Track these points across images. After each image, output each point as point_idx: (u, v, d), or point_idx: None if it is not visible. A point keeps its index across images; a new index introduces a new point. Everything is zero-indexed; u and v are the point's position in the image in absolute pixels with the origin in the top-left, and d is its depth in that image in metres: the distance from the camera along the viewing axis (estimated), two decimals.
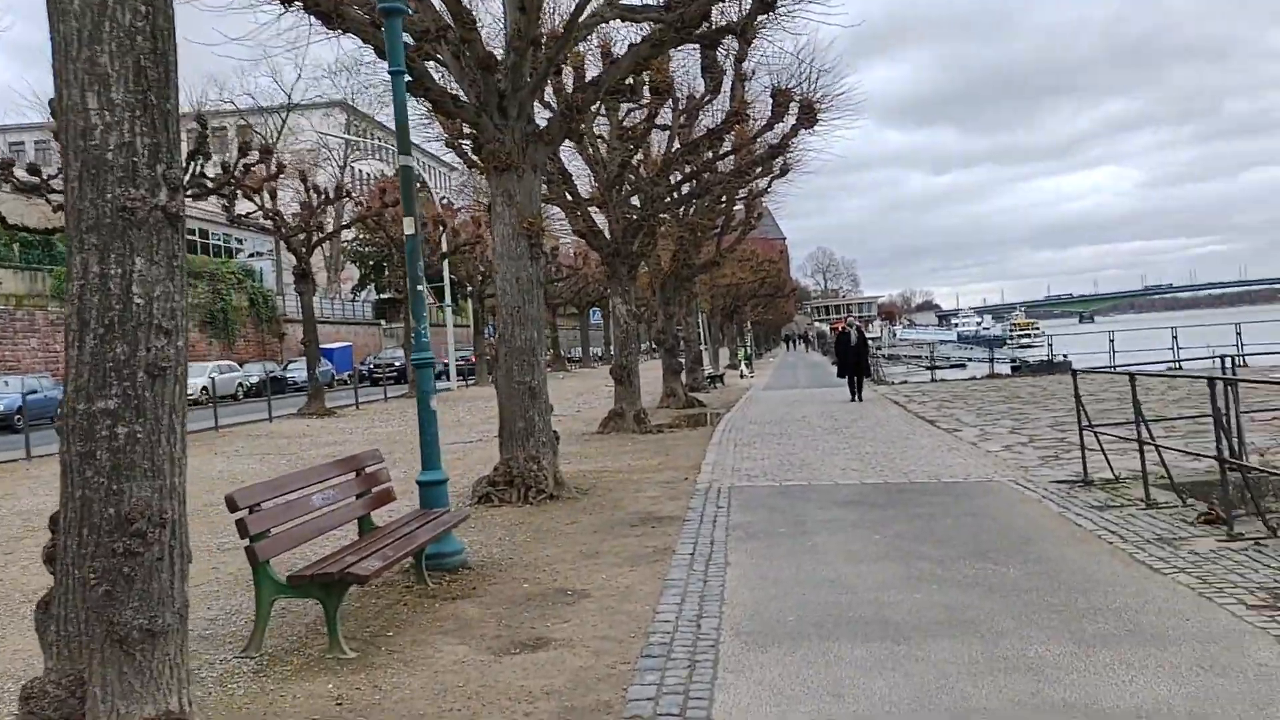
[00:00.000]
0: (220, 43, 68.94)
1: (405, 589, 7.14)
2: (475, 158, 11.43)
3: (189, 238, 57.09)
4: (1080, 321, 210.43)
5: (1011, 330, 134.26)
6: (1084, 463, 10.35)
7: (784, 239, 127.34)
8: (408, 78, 8.80)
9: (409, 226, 7.72)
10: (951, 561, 7.00)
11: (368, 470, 7.40)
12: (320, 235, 28.01)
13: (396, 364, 50.05)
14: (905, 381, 32.18)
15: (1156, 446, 8.95)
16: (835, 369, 25.53)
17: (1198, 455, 9.54)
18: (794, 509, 9.45)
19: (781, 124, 17.68)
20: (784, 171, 24.14)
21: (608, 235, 18.74)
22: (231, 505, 5.65)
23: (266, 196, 25.47)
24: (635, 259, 18.51)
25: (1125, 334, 37.95)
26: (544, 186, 18.77)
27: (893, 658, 5.05)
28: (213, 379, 43.01)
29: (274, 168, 23.86)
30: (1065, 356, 42.12)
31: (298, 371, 46.02)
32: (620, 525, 9.20)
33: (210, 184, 20.88)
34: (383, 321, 69.81)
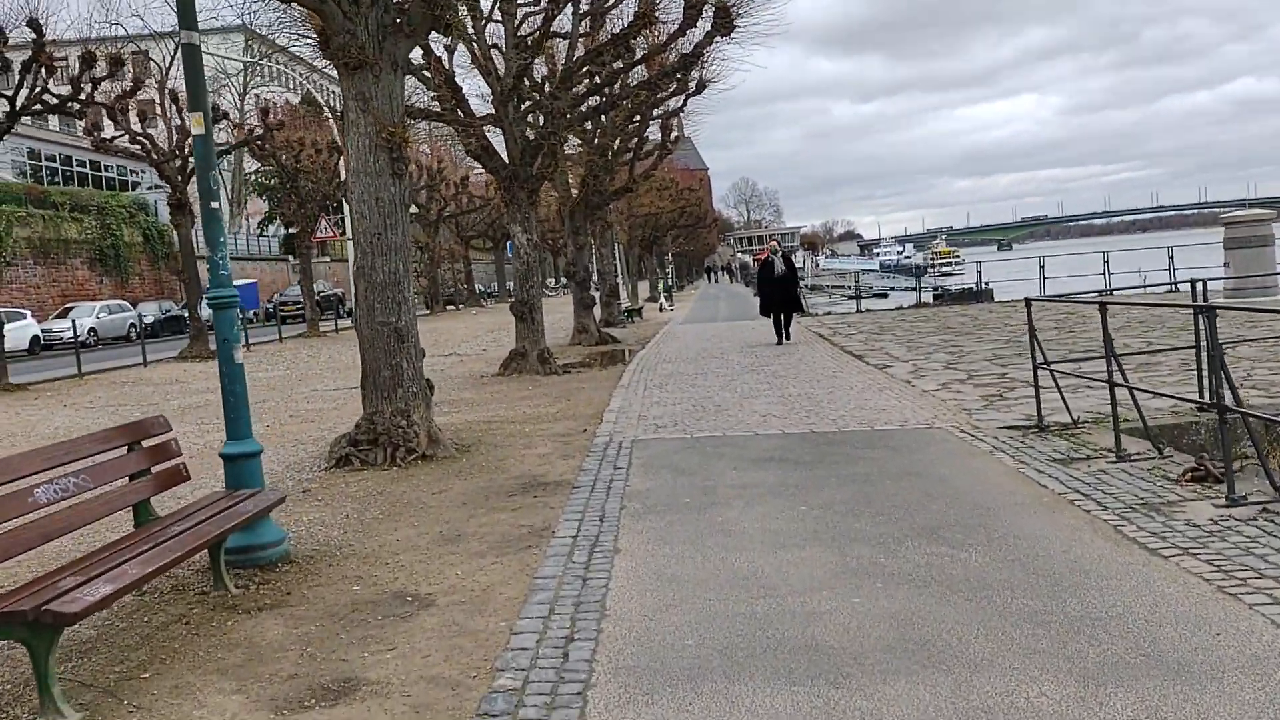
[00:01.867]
0: None
1: (198, 595, 5.48)
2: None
3: (79, 169, 53.66)
4: (999, 249, 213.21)
5: (933, 259, 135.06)
6: (1038, 406, 9.02)
7: (706, 169, 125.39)
8: None
9: (197, 125, 5.89)
10: (897, 543, 5.56)
11: (149, 443, 5.68)
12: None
13: (300, 301, 47.60)
14: (830, 313, 30.99)
15: (1131, 388, 7.61)
16: (758, 305, 20.83)
17: (1183, 398, 8.23)
18: (705, 469, 7.95)
19: (695, 29, 15.90)
20: (700, 88, 22.39)
21: (504, 157, 16.87)
22: None
23: (135, 119, 22.90)
24: (536, 183, 16.69)
25: (1053, 260, 37.29)
26: (436, 104, 16.77)
27: (829, 713, 3.57)
28: (99, 319, 40.27)
29: (130, 82, 21.28)
30: (988, 284, 41.45)
31: (205, 310, 43.22)
32: (496, 494, 7.61)
33: (54, 101, 18.36)
34: (290, 257, 66.57)
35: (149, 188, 57.44)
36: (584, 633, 4.48)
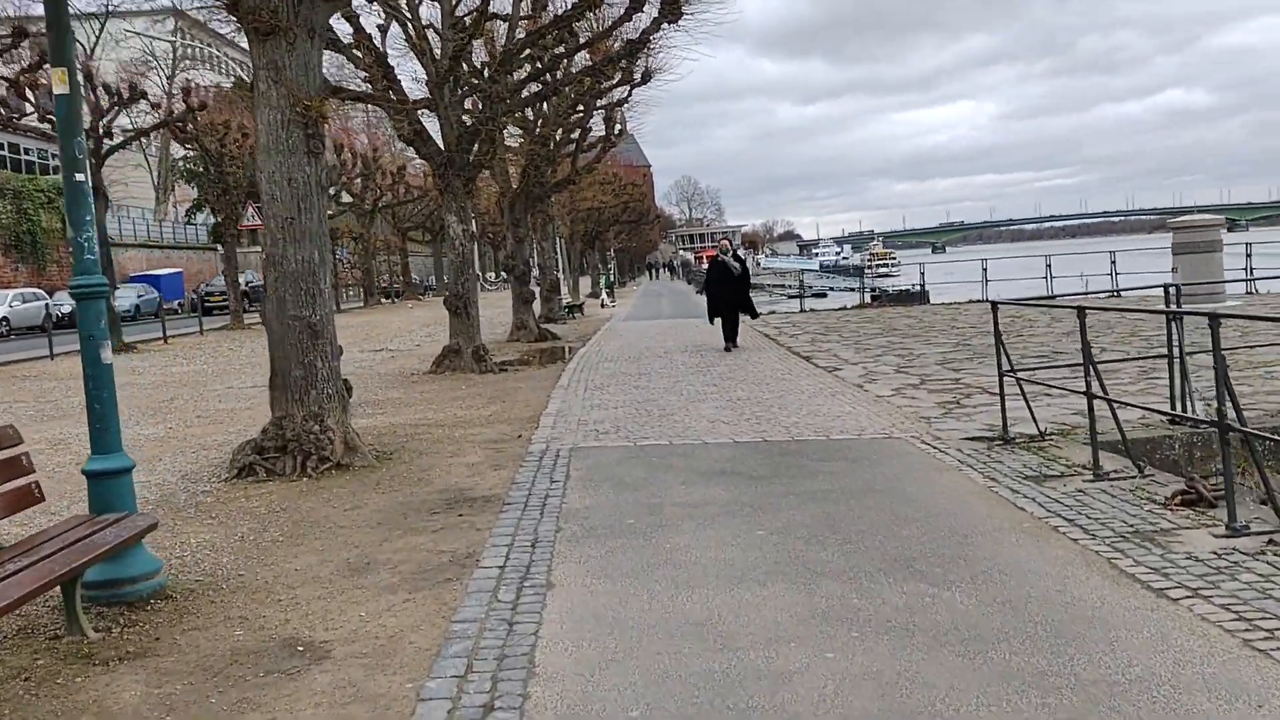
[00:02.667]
0: None
1: (48, 641, 4.60)
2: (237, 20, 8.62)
3: None
4: (933, 252, 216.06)
5: (869, 260, 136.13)
6: (1004, 416, 8.44)
7: (649, 166, 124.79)
8: None
9: (60, 82, 4.98)
10: (869, 579, 4.87)
11: None
12: (112, 143, 24.07)
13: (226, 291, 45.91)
14: (774, 312, 30.47)
15: (1111, 401, 7.03)
16: (706, 309, 18.43)
17: (1157, 410, 7.70)
18: (650, 483, 7.22)
19: (642, 14, 15.16)
20: (646, 78, 21.64)
21: (440, 143, 15.97)
22: None
23: (45, 96, 21.46)
24: (473, 170, 15.82)
25: (990, 264, 37.19)
26: (367, 86, 15.83)
27: None
28: (12, 308, 38.35)
29: (35, 55, 19.91)
30: (924, 286, 41.34)
31: (123, 299, 41.41)
32: (417, 512, 6.80)
33: None
34: (219, 247, 64.37)
35: None
36: (506, 700, 3.71)
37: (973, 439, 8.51)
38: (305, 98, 8.24)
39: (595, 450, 8.63)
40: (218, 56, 68.58)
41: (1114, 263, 26.66)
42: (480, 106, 15.70)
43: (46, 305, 37.28)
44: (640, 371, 14.59)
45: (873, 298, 40.05)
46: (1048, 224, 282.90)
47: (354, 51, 15.37)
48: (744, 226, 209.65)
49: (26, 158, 53.66)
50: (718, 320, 17.52)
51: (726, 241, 18.80)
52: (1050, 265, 27.11)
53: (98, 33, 59.53)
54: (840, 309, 30.87)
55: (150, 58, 63.73)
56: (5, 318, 37.01)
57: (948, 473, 7.27)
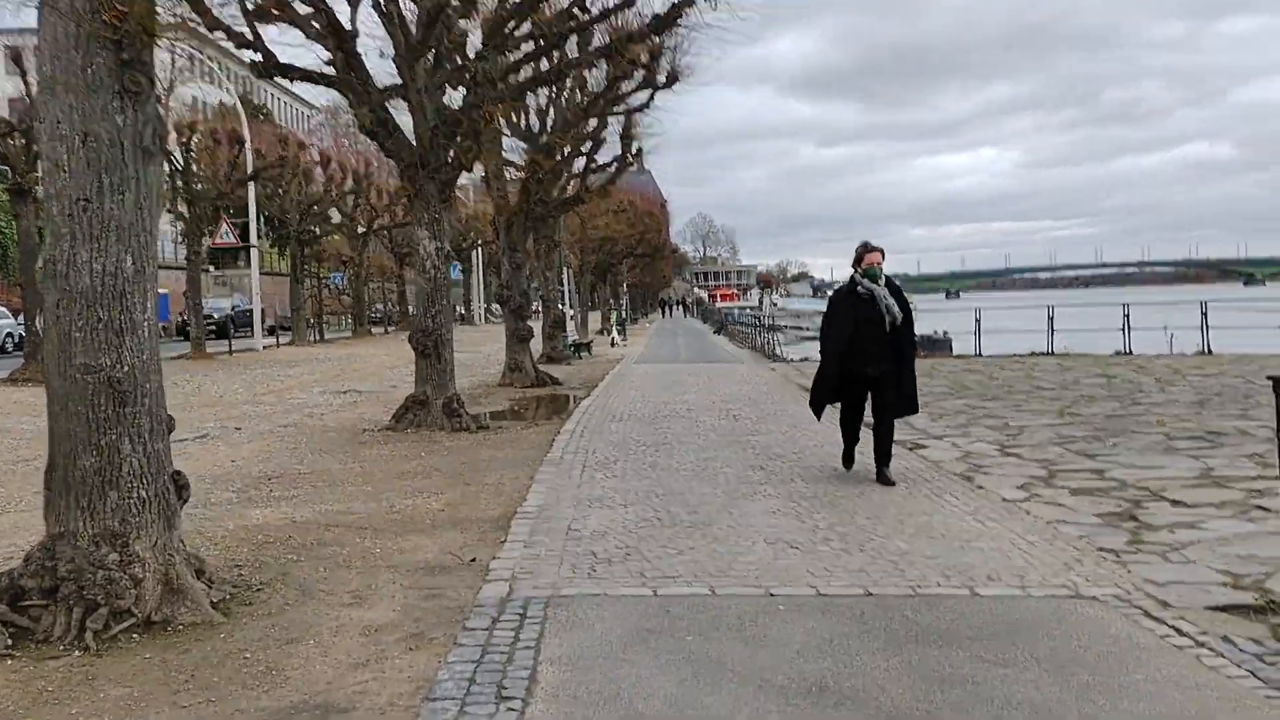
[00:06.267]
0: None
1: None
2: None
3: None
4: (947, 298, 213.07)
5: None
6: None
7: (664, 202, 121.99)
8: None
9: None
10: None
11: None
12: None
13: (215, 315, 42.56)
14: (806, 359, 26.98)
15: None
16: (814, 385, 9.13)
17: None
18: (691, 711, 3.74)
19: None
20: (671, 80, 18.37)
21: (411, 138, 12.64)
22: None
23: None
24: (451, 172, 12.44)
25: (1017, 312, 33.75)
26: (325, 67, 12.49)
27: None
28: None
29: None
30: (945, 334, 38.03)
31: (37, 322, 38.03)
32: None
33: None
34: (211, 268, 61.30)
35: None
36: None
37: (1221, 608, 5.03)
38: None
39: (588, 606, 5.13)
40: (216, 69, 65.88)
41: (1205, 314, 23.06)
42: (466, 87, 12.34)
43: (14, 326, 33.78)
44: (658, 440, 11.10)
45: None
46: (1062, 273, 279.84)
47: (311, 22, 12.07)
48: (758, 266, 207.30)
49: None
50: (831, 413, 9.07)
51: (876, 256, 8.31)
52: (1128, 316, 23.51)
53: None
54: None
55: None
56: None
57: (1242, 708, 3.78)
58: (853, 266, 8.44)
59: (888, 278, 8.34)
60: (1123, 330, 23.59)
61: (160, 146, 5.12)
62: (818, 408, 9.01)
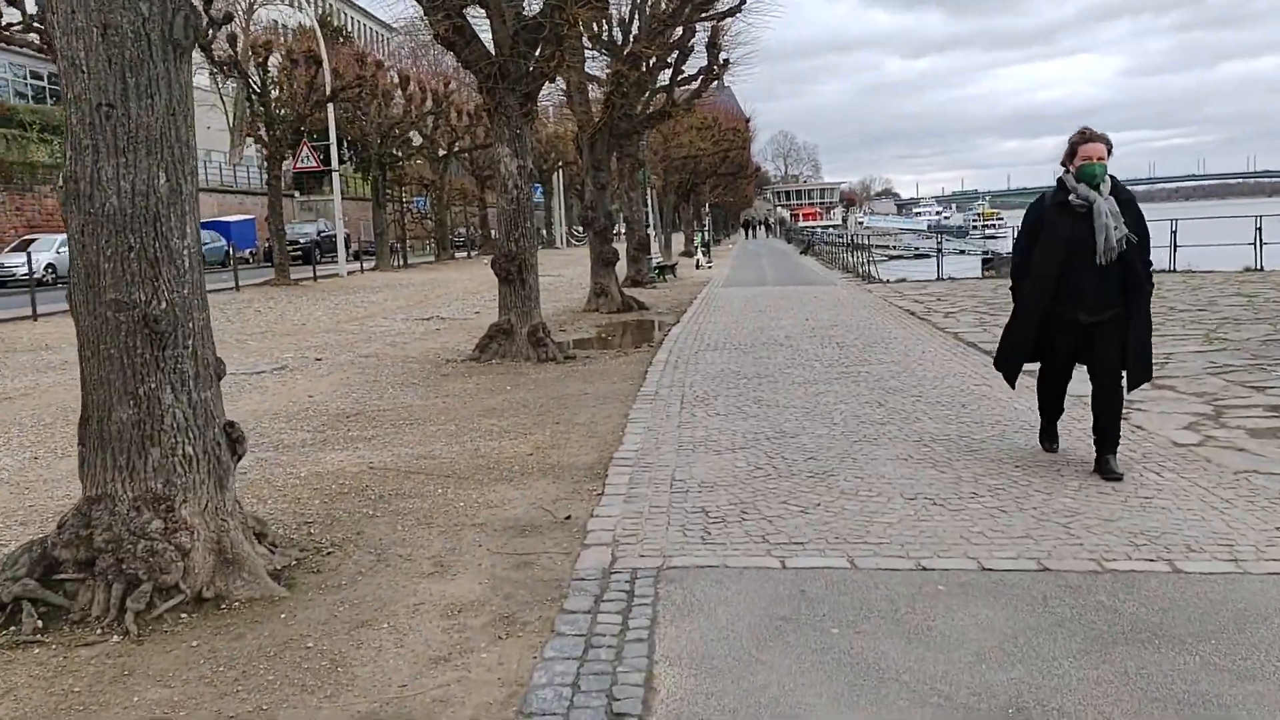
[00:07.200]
0: None
1: None
2: None
3: (54, 86, 48.71)
4: None
5: (976, 220, 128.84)
6: None
7: (749, 118, 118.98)
8: None
9: None
10: None
11: None
12: None
13: (301, 240, 42.60)
14: (904, 279, 25.66)
15: None
16: (1003, 339, 6.41)
17: None
18: None
19: None
20: None
21: (490, 47, 11.72)
22: None
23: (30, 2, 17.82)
24: (533, 83, 11.51)
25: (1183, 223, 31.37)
26: None
27: None
28: (59, 254, 35.49)
29: None
30: None
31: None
32: None
33: None
34: (297, 193, 61.49)
35: None
36: None
37: None
38: None
39: (706, 583, 4.32)
40: None
41: None
42: None
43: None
44: (759, 371, 10.21)
45: (984, 263, 34.83)
46: (1160, 185, 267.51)
47: None
48: (841, 184, 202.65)
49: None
50: (1026, 377, 6.77)
51: (1097, 148, 5.80)
52: (1261, 229, 21.56)
53: None
54: (983, 278, 25.93)
55: None
56: (51, 264, 34.15)
57: None
58: (1062, 164, 6.01)
59: (1114, 181, 5.86)
60: (1254, 245, 21.70)
61: (195, 39, 4.31)
62: (1009, 370, 6.40)
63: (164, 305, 4.23)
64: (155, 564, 4.12)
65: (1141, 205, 5.96)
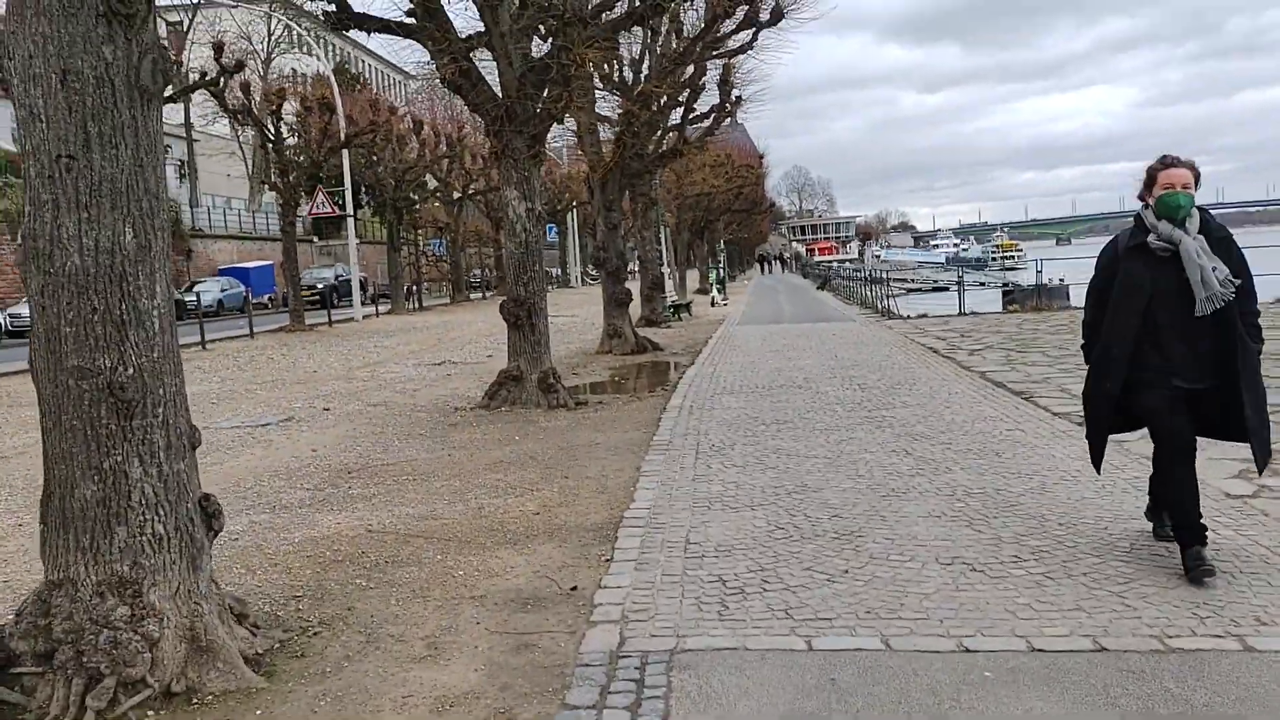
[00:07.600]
0: None
1: None
2: None
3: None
4: (1057, 244, 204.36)
5: (994, 252, 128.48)
6: None
7: (762, 155, 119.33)
8: None
9: None
10: None
11: None
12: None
13: (318, 285, 42.50)
14: (925, 315, 25.21)
15: None
16: (1084, 398, 5.13)
17: None
18: None
19: None
20: (776, 18, 16.86)
21: (496, 90, 11.49)
22: None
23: None
24: (540, 125, 11.26)
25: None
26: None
27: None
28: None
29: None
30: (1062, 280, 35.38)
31: (205, 294, 38.32)
32: None
33: None
34: (315, 238, 61.69)
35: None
36: None
37: None
38: None
39: (724, 670, 3.91)
40: (314, 43, 65.87)
41: None
42: (553, 32, 11.10)
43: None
44: (778, 417, 9.81)
45: (1004, 294, 34.34)
46: None
47: None
48: (857, 218, 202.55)
49: None
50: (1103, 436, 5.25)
51: (1181, 174, 4.79)
52: None
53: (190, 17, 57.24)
54: (1004, 313, 25.45)
55: (245, 40, 61.30)
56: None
57: None
58: (1139, 198, 4.94)
59: (1204, 214, 4.82)
60: None
61: (164, 84, 4.00)
62: (1096, 449, 5.18)
63: (131, 371, 3.89)
64: (119, 656, 3.75)
65: None
